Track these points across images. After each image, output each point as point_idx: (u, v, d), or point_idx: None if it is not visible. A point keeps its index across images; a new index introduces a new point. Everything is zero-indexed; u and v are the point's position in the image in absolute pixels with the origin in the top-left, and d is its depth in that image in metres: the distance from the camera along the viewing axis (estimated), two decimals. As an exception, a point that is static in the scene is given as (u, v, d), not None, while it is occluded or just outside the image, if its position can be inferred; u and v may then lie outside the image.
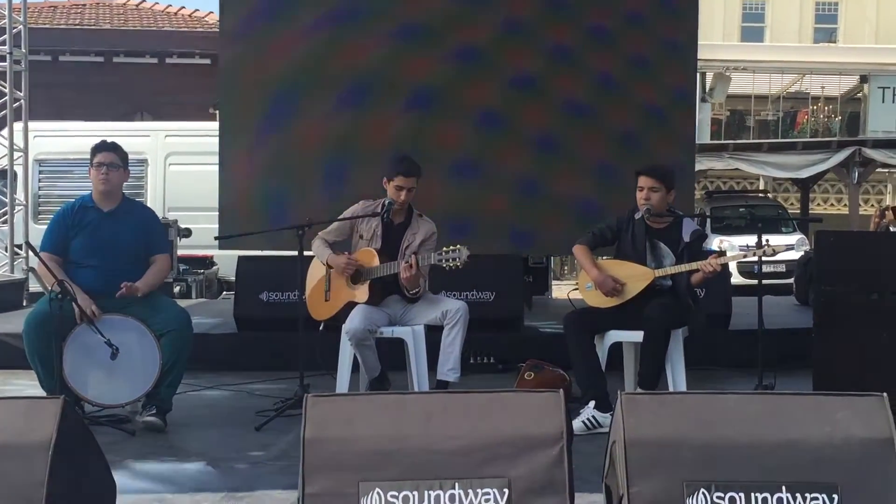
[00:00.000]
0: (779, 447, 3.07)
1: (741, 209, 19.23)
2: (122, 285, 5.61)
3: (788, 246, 17.59)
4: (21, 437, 3.08)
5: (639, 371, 5.74)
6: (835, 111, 27.36)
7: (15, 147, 10.91)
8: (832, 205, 26.88)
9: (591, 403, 5.52)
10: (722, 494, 3.01)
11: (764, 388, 5.71)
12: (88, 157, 5.93)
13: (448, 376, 5.87)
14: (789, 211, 22.08)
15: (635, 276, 5.69)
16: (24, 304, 10.09)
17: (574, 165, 8.95)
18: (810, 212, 22.97)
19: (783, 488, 3.01)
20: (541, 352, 6.87)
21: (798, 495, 3.01)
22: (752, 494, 3.01)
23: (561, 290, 12.63)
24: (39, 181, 13.35)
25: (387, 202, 5.98)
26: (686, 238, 5.70)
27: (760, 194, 23.20)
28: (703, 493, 3.01)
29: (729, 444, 3.08)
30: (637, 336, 5.67)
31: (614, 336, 5.78)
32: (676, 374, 5.70)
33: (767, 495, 3.01)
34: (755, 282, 6.62)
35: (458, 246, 5.66)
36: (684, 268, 5.60)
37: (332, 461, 3.11)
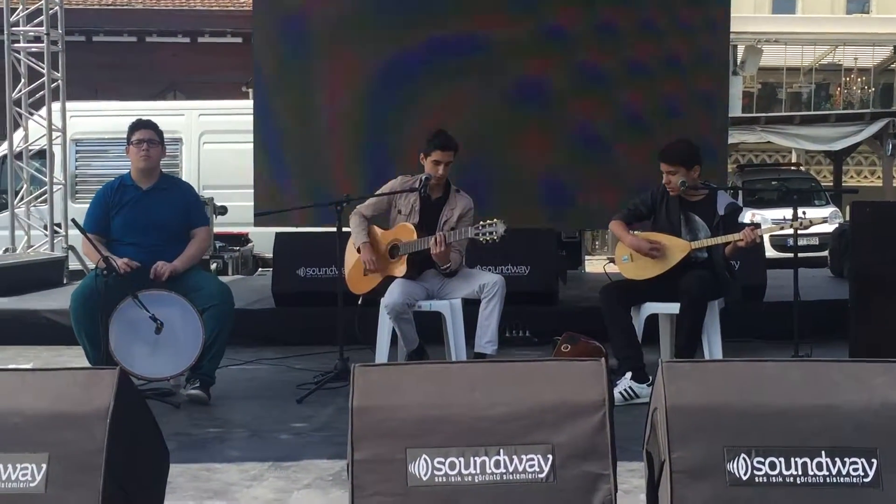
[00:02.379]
0: (818, 413, 3.12)
1: (773, 182, 19.15)
2: (153, 268, 5.70)
3: (823, 218, 17.53)
4: (80, 407, 3.17)
5: (675, 342, 5.79)
6: (868, 83, 27.12)
7: (53, 127, 11.05)
8: (865, 177, 26.69)
9: (628, 375, 5.58)
10: (762, 459, 3.07)
11: (800, 358, 5.74)
12: (123, 135, 6.03)
13: (486, 349, 5.94)
14: (822, 184, 21.94)
15: (671, 248, 5.73)
16: (65, 281, 10.26)
17: (608, 140, 8.99)
18: (843, 184, 22.82)
19: (822, 453, 3.06)
20: (576, 325, 6.90)
21: (837, 460, 3.06)
22: (792, 459, 3.06)
23: (593, 265, 12.68)
24: (76, 160, 13.48)
25: (424, 177, 6.05)
26: (721, 211, 5.73)
27: (793, 167, 23.08)
28: (744, 458, 3.07)
29: (769, 410, 3.13)
30: (673, 308, 5.72)
31: (650, 308, 5.83)
32: (713, 346, 5.74)
33: (807, 459, 3.06)
34: (789, 255, 6.64)
35: (495, 220, 5.72)
36: (720, 240, 5.63)
37: (379, 428, 3.18)
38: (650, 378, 5.58)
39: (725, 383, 3.19)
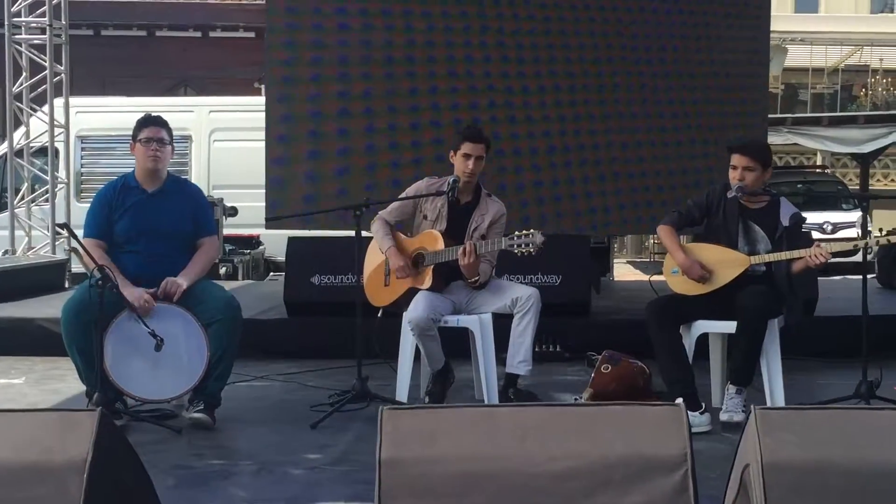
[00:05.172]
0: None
1: (798, 185, 18.63)
2: (162, 284, 5.19)
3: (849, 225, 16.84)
4: (53, 457, 2.64)
5: (731, 365, 5.25)
6: (894, 84, 26.50)
7: (56, 123, 10.56)
8: (893, 180, 26.04)
9: (679, 401, 5.01)
10: (880, 531, 2.52)
11: (869, 384, 5.18)
12: (131, 132, 5.52)
13: (519, 369, 5.44)
14: (849, 187, 21.35)
15: (727, 262, 5.16)
16: (67, 285, 9.78)
17: (645, 141, 8.48)
18: (870, 188, 22.22)
19: (955, 524, 2.52)
20: (610, 339, 6.43)
21: (974, 533, 2.51)
22: (918, 531, 2.52)
23: (618, 270, 12.18)
24: (82, 158, 12.99)
25: (452, 180, 5.51)
26: (785, 222, 5.17)
27: (818, 170, 22.50)
28: (858, 529, 2.53)
29: (887, 470, 2.58)
30: (729, 326, 5.17)
31: (702, 326, 5.28)
32: (772, 369, 5.19)
33: (936, 532, 2.52)
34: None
35: (532, 231, 5.18)
36: (785, 256, 5.07)
37: (412, 485, 2.65)
38: (703, 405, 5.04)
39: (833, 436, 2.65)
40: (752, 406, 2.73)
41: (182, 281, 5.22)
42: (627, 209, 8.50)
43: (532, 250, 5.18)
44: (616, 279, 10.91)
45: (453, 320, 5.50)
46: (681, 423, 2.67)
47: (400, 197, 5.67)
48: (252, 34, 17.11)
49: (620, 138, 8.53)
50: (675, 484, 2.60)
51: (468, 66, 8.55)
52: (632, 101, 8.58)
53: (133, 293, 5.10)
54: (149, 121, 5.44)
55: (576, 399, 5.44)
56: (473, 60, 8.56)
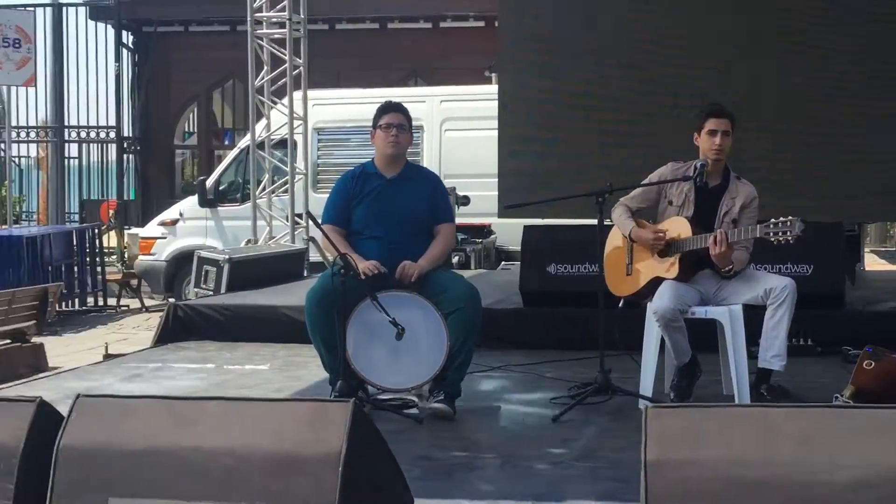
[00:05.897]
0: None
1: None
2: (399, 267, 5.16)
3: None
4: (307, 448, 2.59)
5: None
6: None
7: (295, 115, 10.84)
8: None
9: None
10: None
11: None
12: (365, 124, 5.55)
13: (772, 364, 5.12)
14: None
15: None
16: (305, 274, 10.01)
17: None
18: None
19: None
20: (866, 333, 6.01)
21: None
22: None
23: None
24: (318, 150, 13.29)
25: (699, 164, 5.23)
26: None
27: None
28: None
29: None
30: None
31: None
32: None
33: None
34: None
35: (790, 218, 4.86)
36: None
37: (681, 489, 2.45)
38: None
39: None
40: None
41: (422, 263, 5.19)
42: (881, 194, 7.95)
43: (790, 238, 4.86)
44: (867, 269, 10.26)
45: (701, 311, 5.22)
46: None
47: (643, 183, 5.44)
48: (482, 23, 17.08)
49: (874, 119, 7.97)
50: None
51: (706, 46, 8.20)
52: (884, 83, 8.02)
53: (364, 263, 5.13)
54: (389, 107, 5.44)
55: (836, 398, 5.08)
56: (710, 41, 8.21)
